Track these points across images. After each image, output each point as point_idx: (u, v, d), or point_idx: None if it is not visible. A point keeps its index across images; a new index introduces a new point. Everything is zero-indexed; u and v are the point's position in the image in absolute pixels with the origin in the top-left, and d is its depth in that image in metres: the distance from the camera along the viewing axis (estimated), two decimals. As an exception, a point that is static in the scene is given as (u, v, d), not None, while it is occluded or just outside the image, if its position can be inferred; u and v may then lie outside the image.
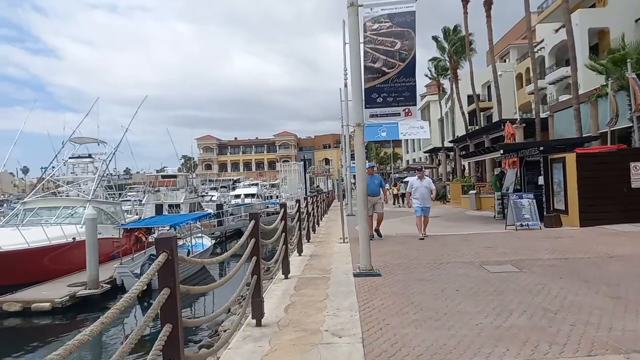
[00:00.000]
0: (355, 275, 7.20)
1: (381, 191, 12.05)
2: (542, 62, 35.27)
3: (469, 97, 42.05)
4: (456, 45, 36.31)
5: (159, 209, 32.72)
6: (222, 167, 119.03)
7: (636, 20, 27.77)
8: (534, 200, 12.56)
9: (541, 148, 13.61)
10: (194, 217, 17.96)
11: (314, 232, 14.51)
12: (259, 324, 4.87)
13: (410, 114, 7.07)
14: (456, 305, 5.34)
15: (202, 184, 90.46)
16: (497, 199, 15.90)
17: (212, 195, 54.29)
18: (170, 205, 33.02)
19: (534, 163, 15.02)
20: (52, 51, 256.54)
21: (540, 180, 13.83)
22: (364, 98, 7.13)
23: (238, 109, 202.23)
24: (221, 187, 72.94)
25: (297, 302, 5.77)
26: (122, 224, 16.12)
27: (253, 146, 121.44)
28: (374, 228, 11.56)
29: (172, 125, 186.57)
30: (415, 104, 7.15)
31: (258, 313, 4.87)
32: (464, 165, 39.41)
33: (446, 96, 49.06)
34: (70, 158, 22.53)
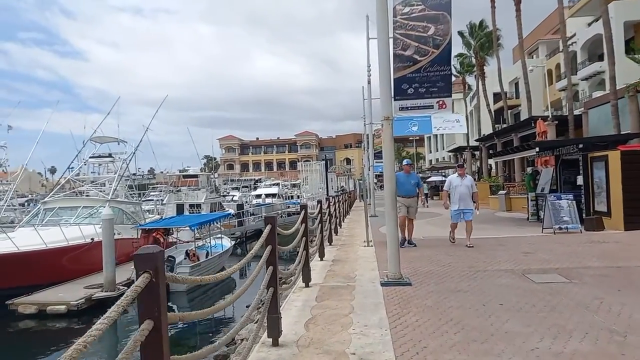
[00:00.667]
0: (382, 284, 6.53)
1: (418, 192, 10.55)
2: (573, 58, 33.87)
3: (495, 94, 40.81)
4: (482, 40, 35.17)
5: (180, 208, 32.56)
6: (244, 167, 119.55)
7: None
8: (574, 202, 11.66)
9: (580, 145, 12.68)
10: (213, 218, 17.52)
11: (336, 235, 13.86)
12: (275, 344, 4.26)
13: (444, 106, 6.39)
14: (503, 323, 4.62)
15: (224, 184, 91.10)
16: (531, 200, 14.96)
17: (234, 195, 54.23)
18: (191, 205, 32.81)
19: (572, 162, 14.08)
20: (79, 53, 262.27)
21: (579, 180, 12.89)
22: (393, 89, 6.45)
23: (260, 109, 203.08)
24: (243, 187, 73.14)
25: (319, 316, 5.13)
26: (139, 225, 15.78)
27: (274, 146, 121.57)
28: (406, 235, 10.41)
29: (194, 126, 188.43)
30: (450, 95, 6.46)
31: (275, 331, 4.25)
32: (490, 165, 38.20)
33: (471, 94, 47.78)
34: (90, 157, 22.38)
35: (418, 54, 6.29)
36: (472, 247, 9.85)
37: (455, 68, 45.87)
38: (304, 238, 6.57)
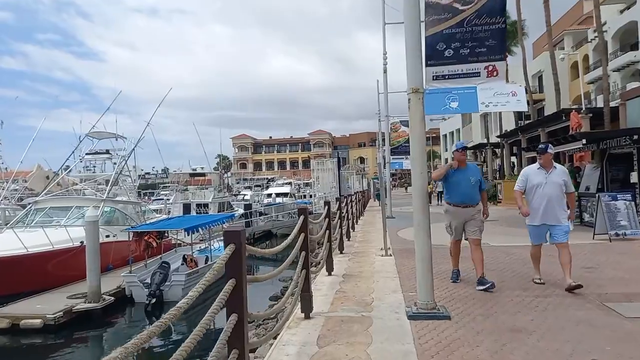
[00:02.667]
0: (410, 316, 4.80)
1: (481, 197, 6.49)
2: (604, 48, 31.61)
3: None
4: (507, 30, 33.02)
5: (186, 208, 31.24)
6: (257, 166, 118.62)
7: None
8: (632, 203, 9.78)
9: (635, 137, 10.77)
10: (214, 220, 15.91)
11: (349, 240, 12.14)
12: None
13: (496, 73, 4.64)
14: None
15: (237, 183, 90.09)
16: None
17: (245, 194, 52.93)
18: (198, 205, 31.44)
19: (620, 156, 12.19)
20: (96, 54, 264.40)
21: (633, 177, 11.00)
22: (424, 51, 4.73)
23: (274, 109, 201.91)
24: (255, 186, 72.04)
25: (320, 377, 3.43)
26: (130, 227, 14.26)
27: (287, 145, 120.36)
28: (477, 274, 6.30)
29: (209, 126, 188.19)
30: (503, 58, 4.71)
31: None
32: (513, 162, 36.07)
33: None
34: (87, 154, 20.97)
35: (459, 1, 4.54)
36: (578, 286, 5.62)
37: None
38: (302, 253, 4.86)
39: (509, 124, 39.93)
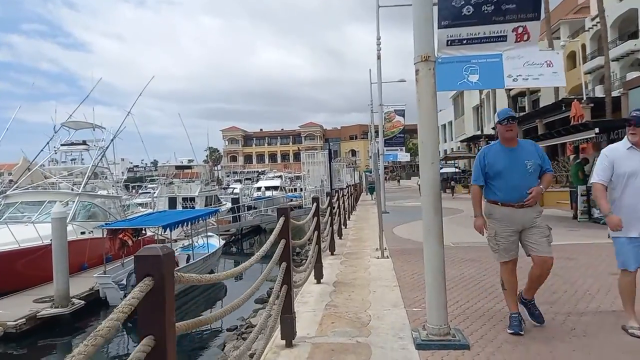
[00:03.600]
0: (419, 345, 3.80)
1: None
2: (594, 38, 30.82)
3: None
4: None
5: (172, 202, 30.06)
6: (248, 158, 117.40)
7: None
8: (653, 198, 8.82)
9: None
10: (196, 216, 14.84)
11: (340, 238, 11.16)
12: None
13: (526, 36, 3.63)
14: None
15: (227, 176, 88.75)
16: (582, 195, 12.13)
17: (234, 188, 51.79)
18: (184, 199, 30.27)
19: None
20: (82, 45, 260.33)
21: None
22: (437, 10, 3.71)
23: (264, 101, 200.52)
24: (245, 179, 70.90)
25: None
26: (103, 224, 13.16)
27: (278, 137, 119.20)
28: (523, 293, 4.43)
29: (199, 118, 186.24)
30: (538, 18, 3.70)
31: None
32: (508, 155, 35.30)
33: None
34: (62, 145, 19.72)
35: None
36: None
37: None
38: (283, 264, 3.84)
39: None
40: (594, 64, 30.14)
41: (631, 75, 24.01)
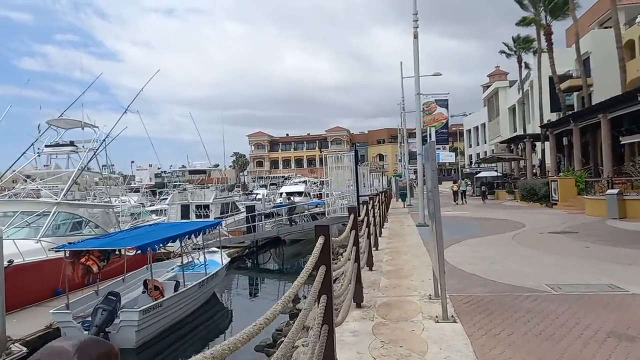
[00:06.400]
0: None
1: None
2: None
3: (550, 78, 33.47)
4: (553, 2, 28.08)
5: (185, 210, 27.45)
6: (274, 164, 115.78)
7: None
8: None
9: None
10: (189, 231, 11.77)
11: (371, 269, 7.87)
12: None
13: None
14: None
15: (253, 181, 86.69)
16: None
17: (258, 194, 49.23)
18: (197, 206, 27.58)
19: None
20: (113, 54, 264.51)
21: None
22: None
23: (290, 107, 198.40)
24: (271, 184, 68.67)
25: None
26: (60, 246, 10.23)
27: (305, 142, 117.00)
28: None
29: (227, 125, 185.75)
30: None
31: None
32: (559, 157, 31.23)
33: (528, 72, 40.48)
34: (46, 147, 17.09)
35: None
36: None
37: (507, 46, 38.85)
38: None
39: (546, 115, 35.15)
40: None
41: None
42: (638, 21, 20.04)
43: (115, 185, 31.20)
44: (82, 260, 9.65)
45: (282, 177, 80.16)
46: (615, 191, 14.76)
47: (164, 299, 10.51)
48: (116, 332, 9.49)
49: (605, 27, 37.53)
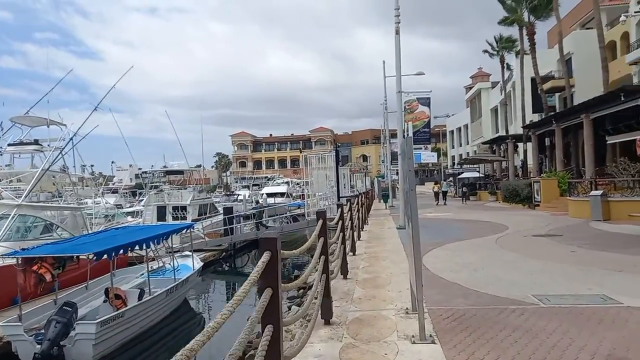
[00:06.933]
0: None
1: None
2: (637, 27, 26.66)
3: (532, 79, 33.41)
4: (534, 2, 27.90)
5: (161, 212, 26.56)
6: (257, 164, 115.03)
7: None
8: None
9: None
10: (154, 236, 11.01)
11: (345, 278, 7.27)
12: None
13: None
14: None
15: (236, 182, 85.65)
16: None
17: (239, 195, 48.47)
18: (174, 208, 26.73)
19: None
20: (94, 53, 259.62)
21: None
22: None
23: (274, 107, 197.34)
24: (253, 185, 67.94)
25: None
26: (10, 253, 9.40)
27: (288, 142, 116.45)
28: None
29: (209, 125, 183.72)
30: None
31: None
32: (541, 157, 31.12)
33: (510, 74, 40.45)
34: (9, 145, 16.15)
35: None
36: None
37: (491, 45, 38.69)
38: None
39: (529, 115, 35.06)
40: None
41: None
42: (622, 20, 19.86)
43: (89, 186, 30.15)
44: (34, 268, 8.87)
45: (265, 177, 79.49)
46: (599, 192, 14.43)
47: (126, 308, 9.77)
48: (72, 346, 8.76)
49: (587, 28, 37.71)
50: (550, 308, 5.19)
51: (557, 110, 31.53)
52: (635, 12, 21.73)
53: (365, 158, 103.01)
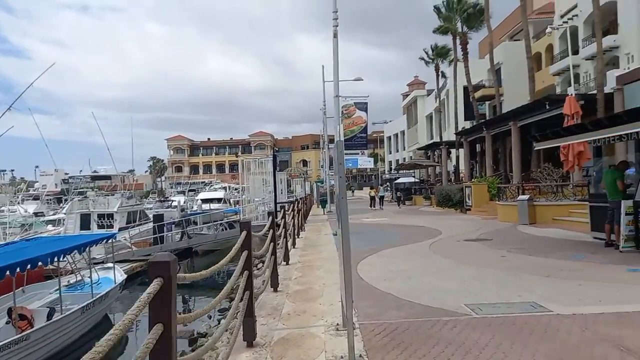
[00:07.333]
0: None
1: None
2: (573, 34, 28.36)
3: (465, 87, 34.81)
4: (468, 11, 28.98)
5: (84, 220, 24.79)
6: (194, 169, 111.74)
7: None
8: None
9: None
10: (63, 250, 9.91)
11: (275, 290, 6.83)
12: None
13: None
14: None
15: (171, 187, 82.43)
16: (626, 214, 8.45)
17: (172, 201, 46.49)
18: (100, 216, 25.07)
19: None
20: (20, 52, 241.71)
21: None
22: None
23: (213, 110, 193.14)
24: (189, 190, 65.54)
25: None
26: None
27: (227, 147, 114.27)
28: None
29: (145, 128, 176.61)
30: None
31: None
32: (472, 163, 32.28)
33: (445, 82, 41.85)
34: None
35: None
36: None
37: (427, 54, 39.81)
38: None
39: (461, 122, 36.41)
40: (564, 64, 27.51)
41: (612, 74, 21.22)
42: (548, 31, 20.96)
43: (3, 193, 27.75)
44: None
45: (202, 182, 77.24)
46: (525, 197, 14.96)
47: (31, 330, 8.75)
48: (-35, 376, 7.69)
49: (516, 40, 39.75)
50: (483, 319, 5.02)
51: (488, 118, 32.93)
52: (559, 25, 22.93)
53: (305, 163, 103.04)
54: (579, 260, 8.34)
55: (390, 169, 71.29)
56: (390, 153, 78.89)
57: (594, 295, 5.87)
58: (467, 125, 34.54)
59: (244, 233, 4.68)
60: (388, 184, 47.92)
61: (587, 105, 17.47)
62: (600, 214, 9.79)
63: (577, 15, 27.21)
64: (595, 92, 18.37)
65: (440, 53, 37.50)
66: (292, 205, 14.46)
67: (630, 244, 8.50)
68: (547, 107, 18.77)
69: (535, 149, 13.94)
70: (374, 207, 29.50)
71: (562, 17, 28.76)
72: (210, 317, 11.44)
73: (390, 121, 75.33)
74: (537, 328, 4.63)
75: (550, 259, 8.61)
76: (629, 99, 17.30)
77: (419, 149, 47.08)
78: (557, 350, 4.03)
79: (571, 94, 15.90)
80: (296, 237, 13.37)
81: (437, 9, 32.14)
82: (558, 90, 30.09)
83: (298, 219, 14.76)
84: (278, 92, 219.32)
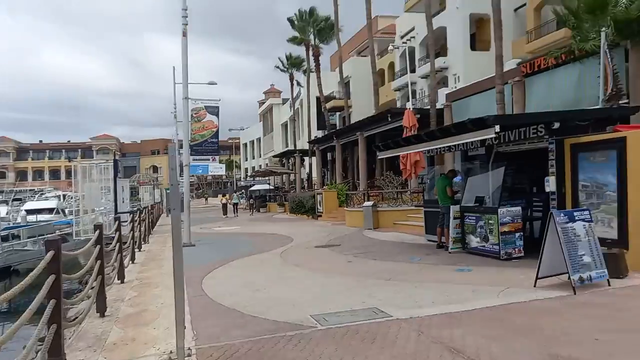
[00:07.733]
0: None
1: None
2: (411, 55, 31.24)
3: (317, 98, 36.32)
4: (321, 25, 30.09)
5: None
6: (21, 175, 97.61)
7: (515, 10, 24.82)
8: (591, 224, 6.12)
9: (555, 125, 7.36)
10: None
11: (102, 316, 5.94)
12: None
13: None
14: None
15: (-8, 196, 70.91)
16: (455, 218, 9.27)
17: (-8, 212, 39.72)
18: None
19: (520, 155, 8.95)
20: None
21: (549, 185, 7.63)
22: None
23: (57, 111, 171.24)
24: (14, 199, 56.79)
25: None
26: None
27: (63, 151, 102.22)
28: None
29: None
30: None
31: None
32: (324, 171, 33.55)
33: (299, 91, 42.92)
34: None
35: None
36: None
37: (282, 63, 40.39)
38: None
39: (314, 132, 37.77)
40: (403, 81, 30.14)
41: (442, 92, 23.81)
42: (390, 49, 22.70)
43: None
44: None
45: (32, 190, 67.96)
46: (370, 203, 15.82)
47: None
48: None
49: (363, 56, 42.50)
50: (327, 330, 4.89)
51: (338, 128, 34.59)
52: (400, 45, 25.02)
53: (156, 169, 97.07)
54: (415, 262, 8.90)
55: (246, 175, 70.88)
56: (247, 160, 78.50)
57: (428, 296, 6.18)
58: (320, 134, 35.81)
59: (50, 254, 3.85)
60: (243, 191, 47.46)
61: (423, 118, 19.25)
62: (433, 218, 10.65)
63: (414, 37, 30.02)
64: (429, 107, 20.27)
65: (294, 63, 38.35)
66: (133, 215, 13.18)
67: (457, 246, 9.36)
68: (389, 119, 20.28)
69: (379, 157, 14.80)
70: (227, 214, 28.87)
71: (402, 37, 31.50)
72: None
73: (247, 128, 75.00)
74: (378, 336, 4.63)
75: (390, 263, 9.05)
76: (456, 113, 19.53)
77: (275, 156, 47.57)
78: (397, 358, 4.03)
79: (409, 108, 17.28)
80: (137, 250, 12.17)
81: (290, 20, 32.84)
82: (399, 105, 32.84)
83: (141, 230, 13.51)
84: (130, 93, 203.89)
